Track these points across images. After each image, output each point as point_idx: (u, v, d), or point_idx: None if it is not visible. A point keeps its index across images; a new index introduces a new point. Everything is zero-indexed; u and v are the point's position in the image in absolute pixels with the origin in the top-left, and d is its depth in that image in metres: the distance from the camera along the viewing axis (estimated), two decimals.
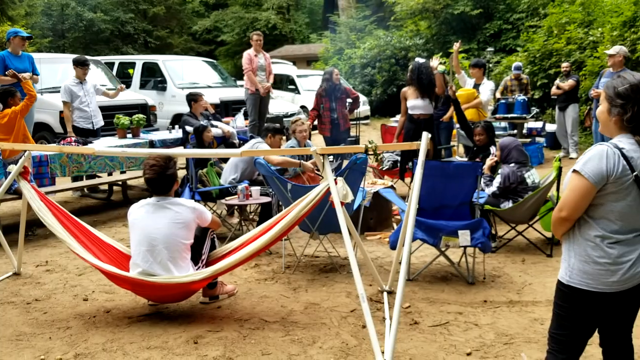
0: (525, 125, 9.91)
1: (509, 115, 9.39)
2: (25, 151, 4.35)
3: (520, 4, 15.83)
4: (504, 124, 9.98)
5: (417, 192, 3.40)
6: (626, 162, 2.09)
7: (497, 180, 5.13)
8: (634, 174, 2.09)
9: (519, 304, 4.01)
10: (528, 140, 9.74)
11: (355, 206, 4.79)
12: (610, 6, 11.38)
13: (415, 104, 6.76)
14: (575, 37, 12.01)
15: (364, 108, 16.14)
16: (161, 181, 3.77)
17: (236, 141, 7.54)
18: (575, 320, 2.27)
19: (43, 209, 4.09)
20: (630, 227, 2.16)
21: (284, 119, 11.50)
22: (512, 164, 5.12)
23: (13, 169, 4.20)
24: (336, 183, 3.54)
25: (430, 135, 3.55)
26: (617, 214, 2.14)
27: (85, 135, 7.16)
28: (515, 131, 9.77)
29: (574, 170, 2.15)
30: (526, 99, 9.38)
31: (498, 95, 9.93)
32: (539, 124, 10.18)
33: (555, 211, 2.23)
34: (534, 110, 9.72)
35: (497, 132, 7.74)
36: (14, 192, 5.36)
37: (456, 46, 7.93)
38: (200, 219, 3.85)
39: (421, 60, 7.01)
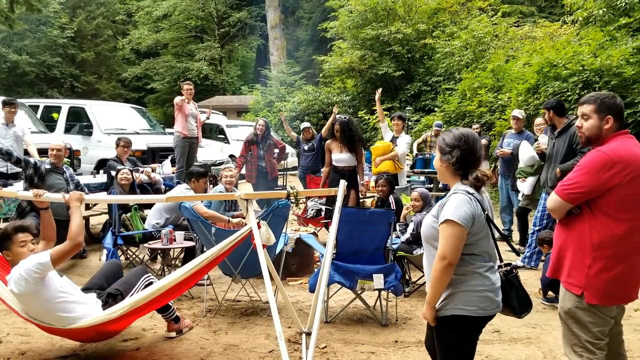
0: None
1: (426, 170, 10.02)
2: None
3: (438, 68, 17.06)
4: (422, 177, 10.62)
5: (334, 235, 3.67)
6: (479, 203, 2.47)
7: (410, 227, 5.51)
8: (486, 213, 2.49)
9: None
10: (443, 193, 10.37)
11: (278, 250, 4.99)
12: (516, 74, 12.54)
13: (339, 157, 7.12)
14: (486, 101, 13.08)
15: (292, 159, 16.55)
16: None
17: (162, 187, 7.61)
18: (464, 349, 2.52)
19: None
20: (493, 258, 2.54)
21: (212, 167, 11.62)
22: (424, 212, 5.53)
23: None
24: (259, 227, 3.74)
25: (346, 184, 3.86)
26: (482, 247, 2.49)
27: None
28: (432, 185, 10.41)
29: (447, 220, 2.40)
30: None
31: (414, 149, 10.57)
32: None
33: (438, 262, 2.40)
34: None
35: (415, 186, 8.28)
36: None
37: (378, 93, 8.45)
38: (34, 268, 3.39)
39: (345, 117, 7.42)
